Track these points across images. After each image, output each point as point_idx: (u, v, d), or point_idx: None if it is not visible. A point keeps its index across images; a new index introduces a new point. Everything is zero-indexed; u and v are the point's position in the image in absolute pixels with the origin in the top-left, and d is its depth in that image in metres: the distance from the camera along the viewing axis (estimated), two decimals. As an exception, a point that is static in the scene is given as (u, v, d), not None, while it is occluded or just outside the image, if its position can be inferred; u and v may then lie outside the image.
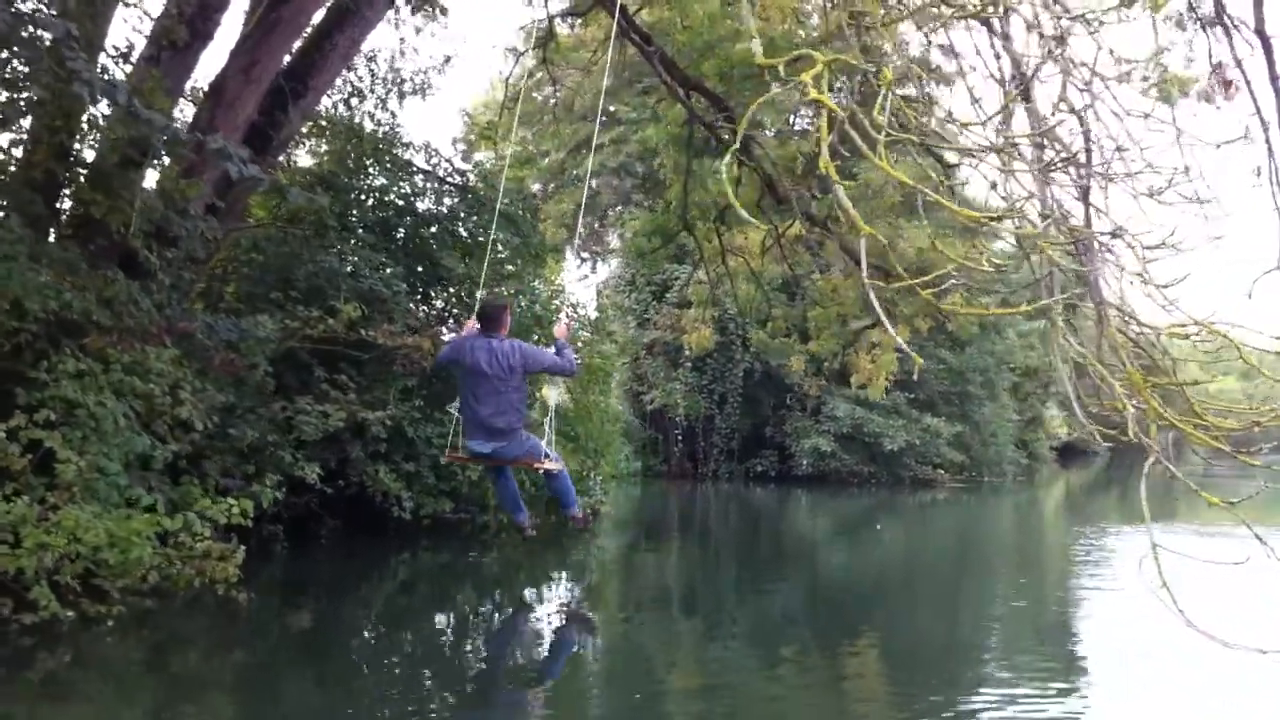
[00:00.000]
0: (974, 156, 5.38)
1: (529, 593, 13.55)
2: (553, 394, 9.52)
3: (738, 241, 19.17)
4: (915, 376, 26.57)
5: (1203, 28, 7.37)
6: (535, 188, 32.71)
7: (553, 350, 8.92)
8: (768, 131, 17.74)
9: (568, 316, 10.45)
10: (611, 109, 33.83)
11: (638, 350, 32.83)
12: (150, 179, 11.41)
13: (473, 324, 8.80)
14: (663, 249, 20.84)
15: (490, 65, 33.84)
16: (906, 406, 32.81)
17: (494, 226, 13.28)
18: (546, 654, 10.04)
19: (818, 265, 22.30)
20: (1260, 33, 6.57)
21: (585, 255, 41.20)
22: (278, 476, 11.73)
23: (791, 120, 28.61)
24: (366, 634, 10.28)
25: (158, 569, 8.45)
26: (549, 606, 12.81)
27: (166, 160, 11.06)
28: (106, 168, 10.53)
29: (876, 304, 5.02)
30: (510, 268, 16.38)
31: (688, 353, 30.61)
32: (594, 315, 21.09)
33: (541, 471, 9.07)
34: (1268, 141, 6.83)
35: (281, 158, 14.64)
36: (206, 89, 12.80)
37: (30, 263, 8.84)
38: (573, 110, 30.03)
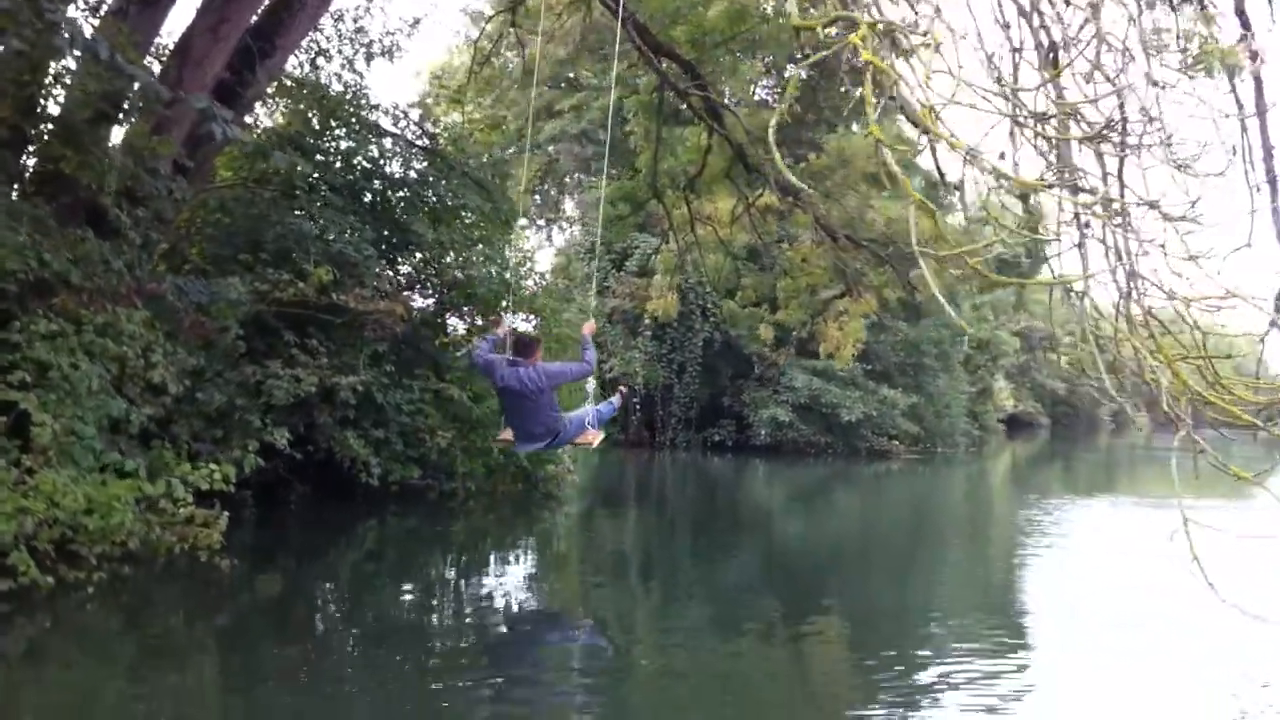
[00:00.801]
0: (1020, 125, 5.25)
1: (494, 559, 13.46)
2: (591, 383, 10.17)
3: (706, 210, 19.08)
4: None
5: (1172, 8, 7.35)
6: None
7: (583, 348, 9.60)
8: (731, 100, 17.57)
9: (593, 317, 10.90)
10: (571, 75, 33.61)
11: (598, 319, 32.65)
12: (114, 137, 11.17)
13: (504, 327, 9.87)
14: (632, 217, 20.73)
15: (457, 28, 33.21)
16: (864, 378, 32.93)
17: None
18: (510, 620, 9.91)
19: (784, 236, 22.27)
20: (1241, 14, 6.55)
21: (542, 222, 40.98)
22: (255, 441, 11.49)
23: (753, 90, 28.60)
24: (337, 602, 10.20)
25: (138, 535, 8.25)
26: (514, 573, 12.72)
27: (133, 117, 10.82)
28: (76, 123, 10.23)
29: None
30: (479, 232, 16.17)
31: (647, 321, 30.52)
32: (562, 284, 20.90)
33: (591, 444, 9.94)
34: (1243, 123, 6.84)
35: (249, 118, 14.32)
36: (174, 46, 12.48)
37: (9, 220, 8.57)
38: (532, 76, 29.77)
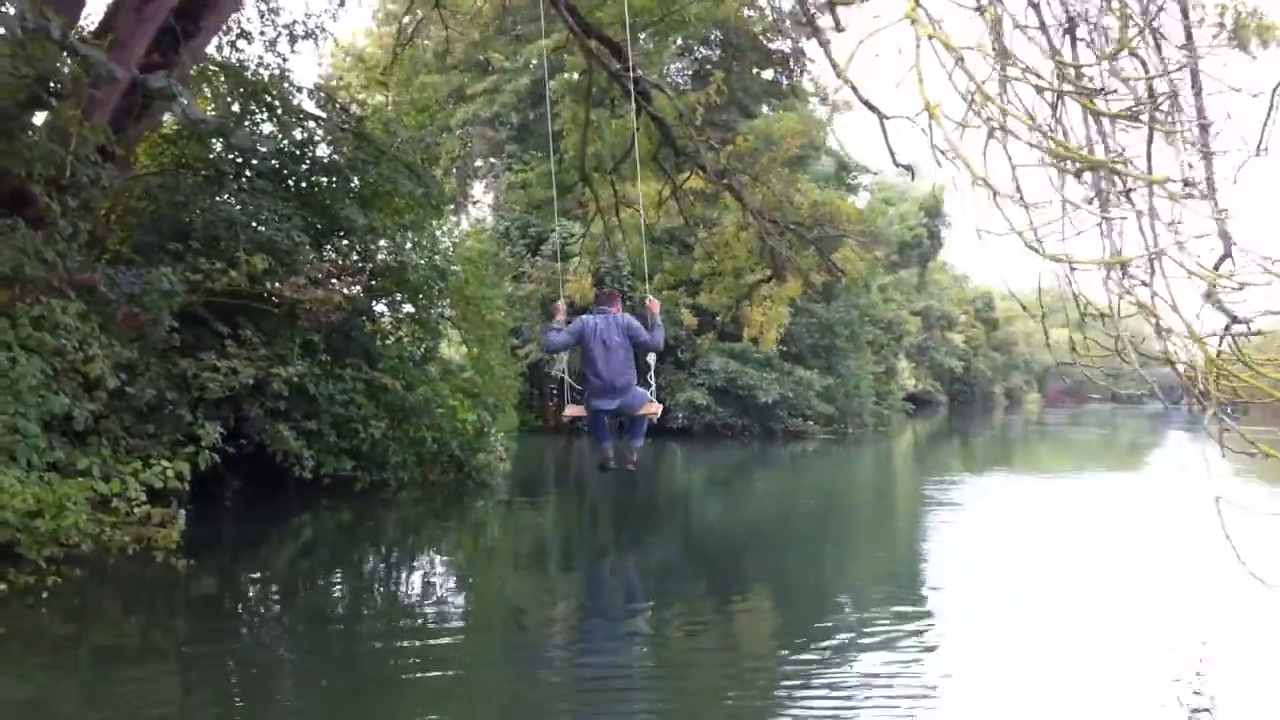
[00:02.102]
0: (1086, 104, 5.19)
1: (428, 551, 13.21)
2: (653, 358, 10.49)
3: (630, 193, 18.98)
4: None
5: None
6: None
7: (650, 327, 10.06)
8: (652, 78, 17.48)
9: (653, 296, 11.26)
10: (482, 58, 33.26)
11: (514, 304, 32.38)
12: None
13: (562, 308, 10.26)
14: (560, 200, 20.55)
15: (374, 6, 32.48)
16: (779, 359, 33.19)
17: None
18: (442, 611, 9.67)
19: (705, 220, 22.26)
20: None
21: (451, 207, 40.45)
22: (210, 435, 11.13)
23: (667, 72, 28.55)
24: (288, 600, 9.90)
25: (91, 536, 7.93)
26: (447, 565, 12.45)
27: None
28: (5, 108, 9.78)
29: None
30: (410, 217, 15.88)
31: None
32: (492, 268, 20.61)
33: (653, 416, 10.28)
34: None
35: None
36: (96, 27, 12.03)
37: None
38: (444, 60, 29.45)
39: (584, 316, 9.95)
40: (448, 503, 16.17)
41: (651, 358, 10.44)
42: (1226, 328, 6.97)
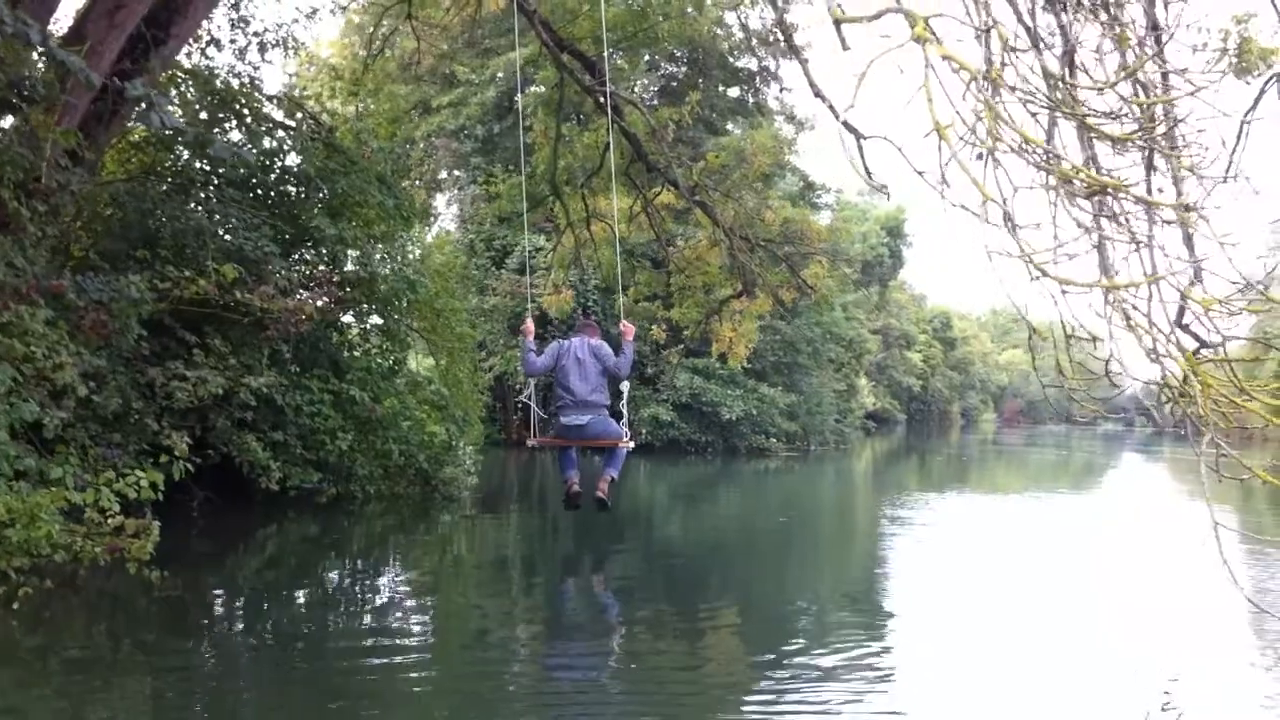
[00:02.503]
0: (1092, 129, 5.19)
1: (395, 565, 13.01)
2: (626, 385, 11.00)
3: (601, 207, 18.97)
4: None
5: None
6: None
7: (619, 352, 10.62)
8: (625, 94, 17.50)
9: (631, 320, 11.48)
10: (447, 71, 33.17)
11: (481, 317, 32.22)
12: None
13: (531, 326, 10.66)
14: (531, 213, 20.49)
15: (347, 16, 32.19)
16: (742, 376, 33.25)
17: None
18: (406, 626, 9.43)
19: (675, 235, 22.30)
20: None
21: (423, 218, 40.33)
22: (182, 446, 10.94)
23: (632, 89, 28.59)
24: (265, 614, 9.76)
25: (64, 547, 7.77)
26: (416, 579, 12.25)
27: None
28: (-25, 112, 9.64)
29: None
30: (381, 228, 15.77)
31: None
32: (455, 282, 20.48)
33: (622, 449, 10.57)
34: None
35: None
36: (66, 32, 11.87)
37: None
38: (408, 71, 29.27)
39: (562, 341, 10.52)
40: (414, 516, 16.01)
41: (624, 387, 10.81)
42: (1196, 351, 7.05)
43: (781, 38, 11.21)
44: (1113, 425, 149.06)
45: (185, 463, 11.92)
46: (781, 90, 33.94)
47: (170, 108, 12.86)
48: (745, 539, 17.05)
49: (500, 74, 32.33)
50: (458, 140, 34.13)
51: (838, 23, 6.06)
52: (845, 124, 11.61)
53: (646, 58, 29.73)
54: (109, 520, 8.02)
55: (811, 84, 11.17)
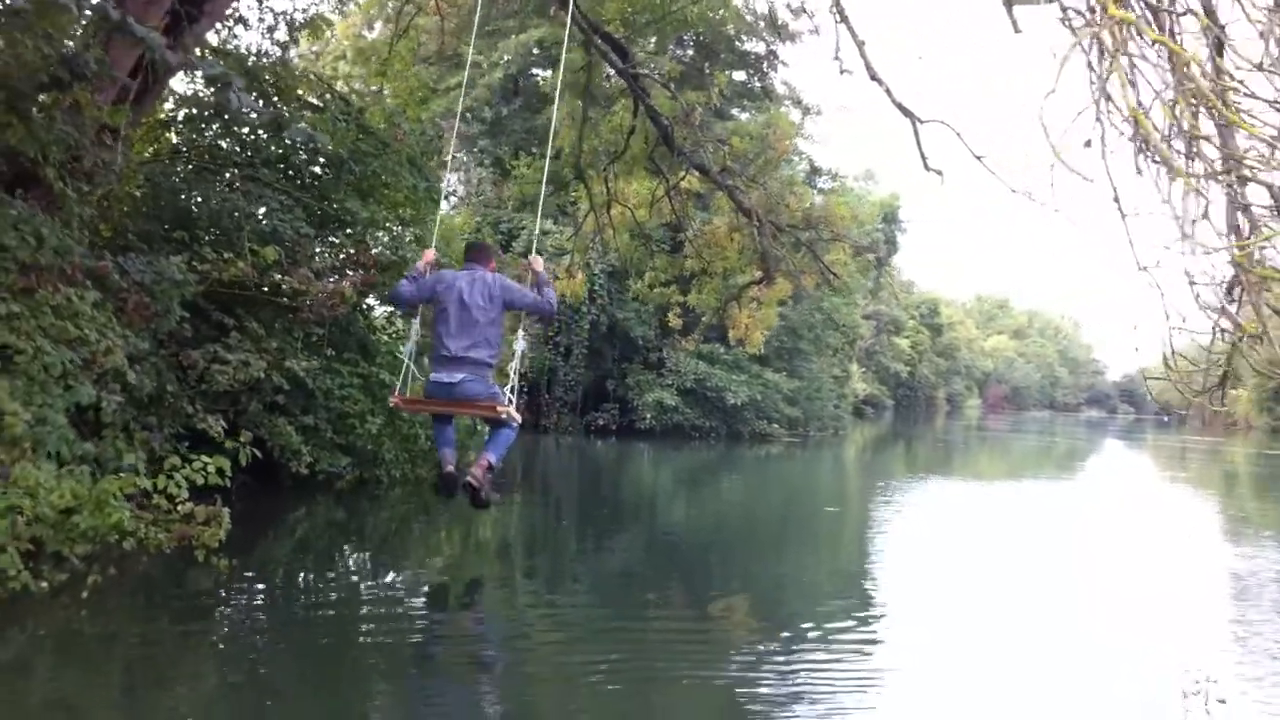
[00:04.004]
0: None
1: (428, 550, 13.00)
2: (521, 342, 8.67)
3: (623, 191, 18.86)
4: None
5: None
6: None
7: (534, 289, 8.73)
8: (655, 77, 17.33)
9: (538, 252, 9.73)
10: (450, 53, 32.86)
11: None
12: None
13: (430, 255, 8.81)
14: (553, 197, 20.35)
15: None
16: (747, 361, 33.22)
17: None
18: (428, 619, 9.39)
19: (692, 222, 22.19)
20: None
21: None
22: (248, 434, 10.73)
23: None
24: (329, 601, 9.66)
25: (133, 534, 7.63)
26: (445, 563, 12.27)
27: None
28: (25, 89, 9.42)
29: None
30: (410, 211, 15.61)
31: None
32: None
33: (500, 417, 8.45)
34: None
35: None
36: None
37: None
38: (415, 53, 28.98)
39: (444, 271, 8.46)
40: (436, 500, 15.88)
41: (519, 345, 8.66)
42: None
43: (838, 17, 11.03)
44: (1095, 412, 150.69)
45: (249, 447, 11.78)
46: (776, 70, 33.57)
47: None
48: (751, 524, 17.22)
49: (507, 56, 32.12)
50: (464, 121, 33.88)
51: (1009, 4, 5.89)
52: (900, 106, 11.61)
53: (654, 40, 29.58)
54: (178, 507, 7.86)
55: (868, 66, 11.11)
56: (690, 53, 33.78)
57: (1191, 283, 7.61)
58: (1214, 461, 42.38)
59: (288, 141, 14.10)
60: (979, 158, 10.22)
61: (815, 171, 34.04)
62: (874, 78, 10.97)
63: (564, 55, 11.42)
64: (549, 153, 11.06)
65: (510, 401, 8.39)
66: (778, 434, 35.08)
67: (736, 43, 33.38)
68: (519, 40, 30.80)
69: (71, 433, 8.32)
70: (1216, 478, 33.59)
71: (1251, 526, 19.50)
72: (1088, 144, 6.81)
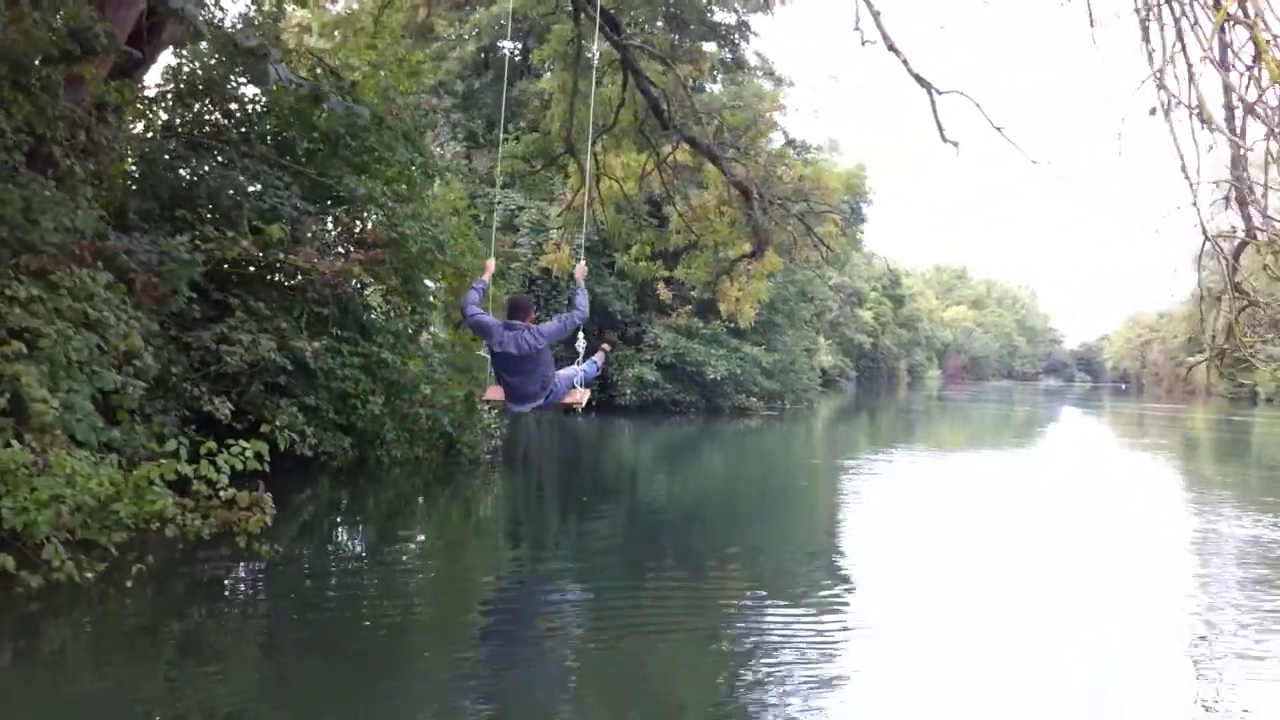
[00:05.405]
0: None
1: (433, 529, 12.92)
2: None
3: (612, 164, 18.64)
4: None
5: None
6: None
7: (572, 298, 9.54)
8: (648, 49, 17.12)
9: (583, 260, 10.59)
10: (419, 22, 32.47)
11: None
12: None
13: (491, 266, 9.77)
14: (543, 172, 20.13)
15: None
16: (725, 335, 33.16)
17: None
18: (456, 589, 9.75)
19: (680, 194, 22.05)
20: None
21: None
22: (283, 416, 10.55)
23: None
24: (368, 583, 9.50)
25: (174, 521, 7.42)
26: (428, 545, 12.13)
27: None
28: (32, 65, 9.13)
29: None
30: (403, 187, 15.34)
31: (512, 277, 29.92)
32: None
33: (575, 407, 9.92)
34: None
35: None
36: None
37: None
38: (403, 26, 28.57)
39: (497, 325, 9.05)
40: (437, 480, 15.73)
41: (580, 337, 9.50)
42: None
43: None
44: (1053, 380, 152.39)
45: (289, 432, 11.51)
46: (748, 42, 33.38)
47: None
48: (733, 497, 17.60)
49: (477, 29, 31.72)
50: (436, 95, 33.46)
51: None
52: (918, 77, 11.51)
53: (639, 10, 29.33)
54: (220, 493, 7.64)
55: (885, 37, 11.00)
56: (659, 24, 33.51)
57: (1205, 238, 7.64)
58: (1173, 428, 43.01)
59: (291, 117, 13.86)
60: (999, 129, 10.23)
61: (790, 144, 33.85)
62: (891, 48, 10.88)
63: (588, 41, 11.19)
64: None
65: (574, 385, 9.66)
66: (756, 408, 35.08)
67: (707, 13, 33.09)
68: (489, 13, 30.40)
69: (99, 419, 8.08)
70: (1177, 443, 34.15)
71: (1212, 489, 19.90)
72: (1153, 111, 6.76)
